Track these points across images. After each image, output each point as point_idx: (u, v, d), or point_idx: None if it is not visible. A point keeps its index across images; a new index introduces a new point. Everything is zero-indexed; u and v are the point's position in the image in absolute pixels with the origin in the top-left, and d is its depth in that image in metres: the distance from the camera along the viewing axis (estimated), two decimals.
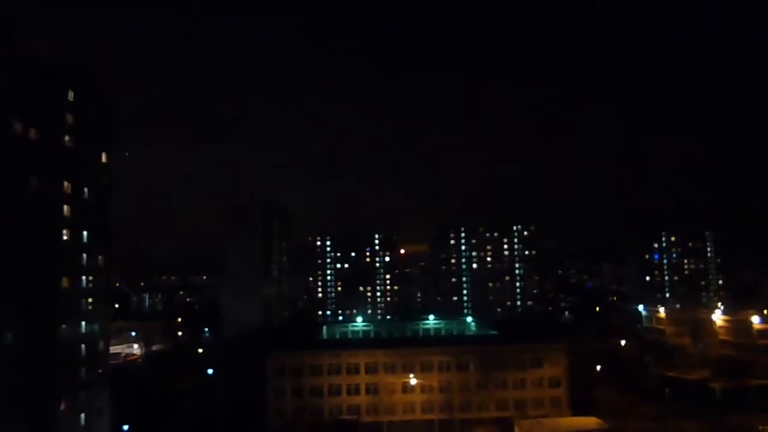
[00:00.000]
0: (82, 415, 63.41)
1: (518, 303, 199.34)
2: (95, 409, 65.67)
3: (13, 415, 53.45)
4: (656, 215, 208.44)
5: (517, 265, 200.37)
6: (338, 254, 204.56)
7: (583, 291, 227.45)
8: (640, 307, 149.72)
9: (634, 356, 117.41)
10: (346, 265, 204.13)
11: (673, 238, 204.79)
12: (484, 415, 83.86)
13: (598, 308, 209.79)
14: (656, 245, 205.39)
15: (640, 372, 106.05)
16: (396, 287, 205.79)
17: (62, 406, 59.93)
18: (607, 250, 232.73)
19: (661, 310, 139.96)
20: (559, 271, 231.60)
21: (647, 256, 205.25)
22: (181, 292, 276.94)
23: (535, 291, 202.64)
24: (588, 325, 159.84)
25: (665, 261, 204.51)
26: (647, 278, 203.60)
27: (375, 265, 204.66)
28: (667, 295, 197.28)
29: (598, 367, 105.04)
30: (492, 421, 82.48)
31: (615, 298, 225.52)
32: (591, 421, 77.44)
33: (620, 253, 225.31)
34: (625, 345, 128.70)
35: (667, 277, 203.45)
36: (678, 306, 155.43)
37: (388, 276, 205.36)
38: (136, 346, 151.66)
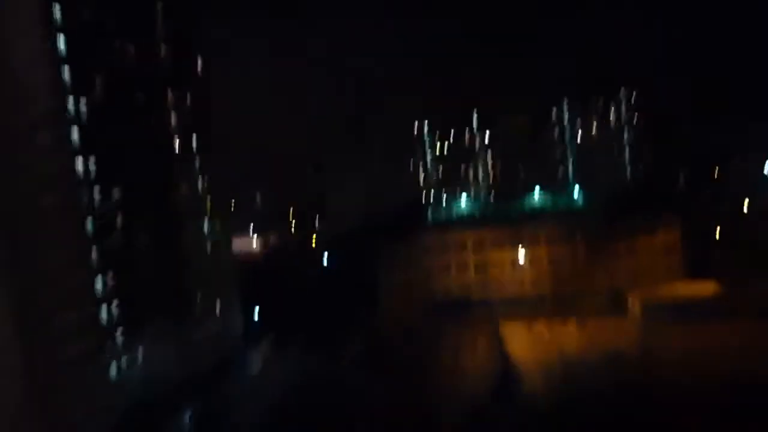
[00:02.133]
0: (217, 306, 69.90)
1: (628, 172, 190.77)
2: (227, 300, 72.12)
3: (155, 309, 59.62)
4: None
5: (627, 131, 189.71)
6: (437, 134, 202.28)
7: (700, 154, 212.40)
8: (767, 168, 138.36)
9: (756, 220, 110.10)
10: (447, 145, 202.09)
11: None
12: (596, 286, 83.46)
13: (717, 170, 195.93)
14: None
15: (762, 235, 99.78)
16: (499, 164, 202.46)
17: (198, 299, 66.18)
18: (730, 106, 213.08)
19: None
20: (673, 136, 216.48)
21: None
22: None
23: (646, 158, 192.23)
24: (707, 187, 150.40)
25: None
26: None
27: (475, 143, 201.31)
28: None
29: (718, 230, 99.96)
30: (604, 291, 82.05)
31: (737, 159, 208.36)
32: (709, 286, 75.13)
33: (745, 108, 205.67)
34: (749, 205, 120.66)
35: None
36: None
37: (489, 153, 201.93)
38: (254, 241, 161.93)
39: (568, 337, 69.11)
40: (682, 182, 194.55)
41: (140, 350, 55.77)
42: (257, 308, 78.21)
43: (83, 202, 52.76)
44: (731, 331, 64.05)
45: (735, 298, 70.85)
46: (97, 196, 54.17)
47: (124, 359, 53.74)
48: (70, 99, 52.04)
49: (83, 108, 53.13)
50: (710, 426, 43.61)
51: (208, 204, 70.86)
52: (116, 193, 56.68)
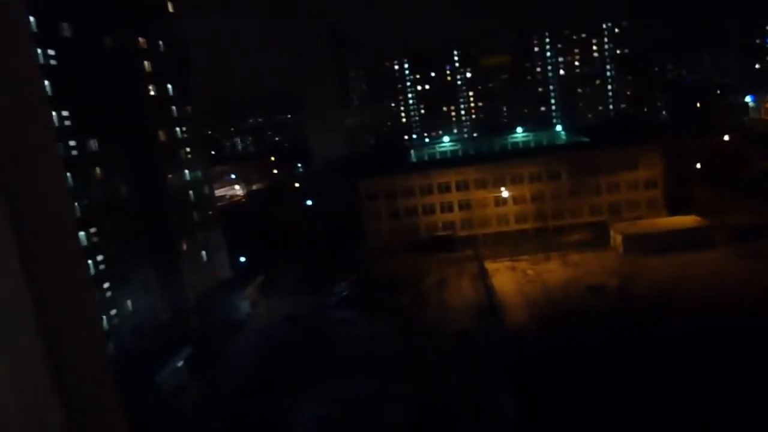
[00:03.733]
0: (203, 252, 70.10)
1: (611, 107, 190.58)
2: (213, 246, 72.26)
3: (141, 260, 59.58)
4: None
5: (608, 67, 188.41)
6: (417, 76, 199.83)
7: (681, 87, 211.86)
8: (747, 98, 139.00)
9: (738, 150, 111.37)
10: (427, 86, 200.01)
11: None
12: (578, 221, 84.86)
13: (698, 104, 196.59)
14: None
15: (743, 166, 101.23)
16: (480, 103, 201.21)
17: (184, 246, 66.15)
18: (709, 39, 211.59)
19: None
20: (655, 69, 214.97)
21: (757, 41, 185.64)
22: (269, 132, 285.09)
23: (628, 92, 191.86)
24: (687, 122, 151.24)
25: None
26: (756, 66, 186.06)
27: (456, 83, 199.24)
28: None
29: (698, 165, 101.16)
30: (586, 226, 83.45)
31: (719, 92, 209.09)
32: (689, 219, 76.55)
33: (724, 40, 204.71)
34: (728, 139, 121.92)
35: None
36: None
37: (471, 93, 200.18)
38: (237, 187, 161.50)
39: (551, 271, 70.40)
40: (664, 115, 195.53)
41: (128, 301, 55.98)
42: (244, 252, 78.41)
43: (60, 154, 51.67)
44: (707, 260, 65.84)
45: (714, 230, 72.36)
46: (73, 147, 53.04)
47: (112, 310, 53.91)
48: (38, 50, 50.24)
49: (53, 60, 51.36)
50: (685, 351, 45.23)
51: (188, 151, 70.03)
52: (93, 145, 55.59)
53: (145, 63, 63.74)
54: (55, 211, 1.45)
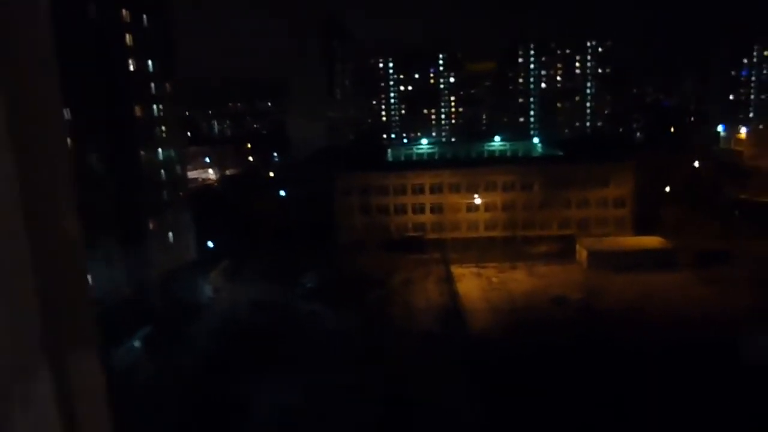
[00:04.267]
0: (170, 233, 69.22)
1: (588, 124, 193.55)
2: (181, 228, 71.40)
3: (106, 235, 58.65)
4: (747, 25, 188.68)
5: (588, 84, 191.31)
6: (401, 76, 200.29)
7: (658, 110, 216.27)
8: (720, 128, 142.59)
9: (707, 177, 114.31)
10: (410, 87, 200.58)
11: (766, 53, 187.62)
12: (547, 232, 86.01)
13: (673, 129, 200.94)
14: (745, 60, 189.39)
15: (711, 192, 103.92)
16: (461, 109, 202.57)
17: (151, 225, 65.27)
18: (690, 66, 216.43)
19: (743, 130, 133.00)
20: (634, 90, 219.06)
21: (733, 72, 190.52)
22: (248, 118, 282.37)
23: (606, 111, 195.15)
24: (660, 145, 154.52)
25: (753, 77, 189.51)
26: (731, 96, 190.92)
27: (439, 86, 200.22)
28: (751, 115, 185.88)
29: (667, 188, 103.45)
30: (554, 239, 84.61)
31: (693, 119, 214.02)
32: (654, 240, 78.21)
33: (704, 69, 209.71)
34: (698, 166, 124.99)
35: (753, 96, 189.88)
36: (762, 126, 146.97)
37: (452, 97, 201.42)
38: (210, 170, 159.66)
39: (516, 280, 71.27)
40: (639, 137, 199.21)
41: (89, 273, 54.95)
42: (212, 236, 77.74)
43: None
44: (669, 282, 67.38)
45: (679, 252, 74.03)
46: None
47: None
48: None
49: None
50: (646, 367, 46.30)
51: (164, 130, 69.10)
52: (65, 114, 54.52)
53: (127, 36, 62.70)
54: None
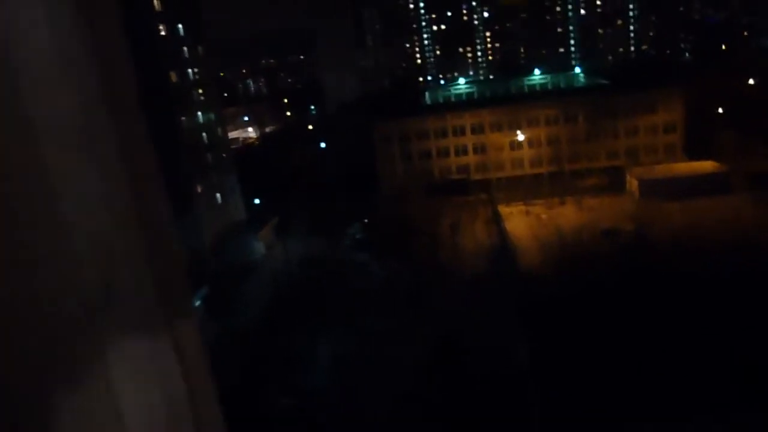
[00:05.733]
0: (218, 195, 70.48)
1: (632, 49, 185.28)
2: (228, 188, 72.60)
3: None
4: None
5: (630, 6, 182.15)
6: (433, 15, 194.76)
7: (706, 28, 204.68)
8: None
9: (761, 95, 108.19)
10: (443, 26, 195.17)
11: None
12: (594, 164, 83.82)
13: (723, 46, 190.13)
14: None
15: (766, 111, 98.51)
16: (498, 44, 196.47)
17: (198, 189, 66.50)
18: None
19: None
20: (680, 8, 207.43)
21: None
22: (282, 74, 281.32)
23: (651, 34, 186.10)
24: (711, 65, 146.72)
25: None
26: None
27: (473, 23, 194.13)
28: None
29: (720, 110, 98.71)
30: (603, 170, 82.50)
31: (745, 33, 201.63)
32: (707, 164, 75.35)
33: None
34: (752, 83, 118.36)
35: None
36: None
37: (488, 33, 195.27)
38: (250, 129, 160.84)
39: (565, 215, 70.15)
40: (688, 58, 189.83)
41: None
42: (258, 194, 78.83)
43: None
44: (724, 206, 65.10)
45: (733, 175, 71.25)
46: None
47: None
48: None
49: None
50: (700, 292, 45.34)
51: (200, 93, 69.49)
52: None
53: (155, 2, 62.53)
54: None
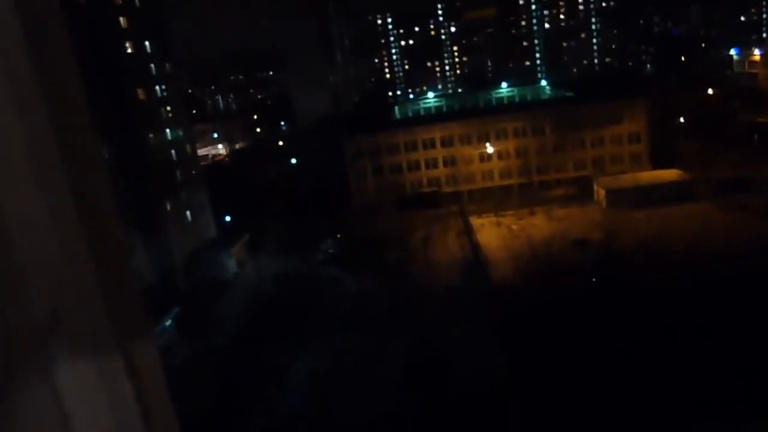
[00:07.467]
0: (188, 212, 69.57)
1: (596, 61, 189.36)
2: (198, 206, 71.70)
3: (126, 221, 59.05)
4: None
5: (593, 20, 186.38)
6: (401, 31, 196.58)
7: (667, 40, 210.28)
8: (732, 51, 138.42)
9: (721, 104, 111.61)
10: (411, 41, 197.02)
11: None
12: (563, 175, 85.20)
13: (683, 58, 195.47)
14: None
15: (726, 120, 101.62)
16: (465, 58, 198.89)
17: (168, 207, 65.57)
18: None
19: (756, 51, 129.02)
20: (641, 21, 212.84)
21: None
22: (251, 90, 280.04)
23: (613, 46, 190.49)
24: (672, 76, 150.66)
25: None
26: (742, 18, 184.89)
27: (441, 38, 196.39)
28: (765, 35, 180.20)
29: (682, 119, 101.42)
30: (571, 181, 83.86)
31: (704, 45, 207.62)
32: (672, 173, 77.12)
33: None
34: (712, 93, 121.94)
35: (765, 15, 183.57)
36: None
37: (455, 47, 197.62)
38: (220, 146, 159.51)
39: (535, 226, 70.96)
40: (649, 69, 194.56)
41: None
42: (229, 211, 78.06)
43: None
44: (690, 214, 66.63)
45: (697, 183, 73.00)
46: None
47: None
48: None
49: None
50: (667, 300, 46.17)
51: (169, 110, 68.78)
52: None
53: (121, 19, 61.91)
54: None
